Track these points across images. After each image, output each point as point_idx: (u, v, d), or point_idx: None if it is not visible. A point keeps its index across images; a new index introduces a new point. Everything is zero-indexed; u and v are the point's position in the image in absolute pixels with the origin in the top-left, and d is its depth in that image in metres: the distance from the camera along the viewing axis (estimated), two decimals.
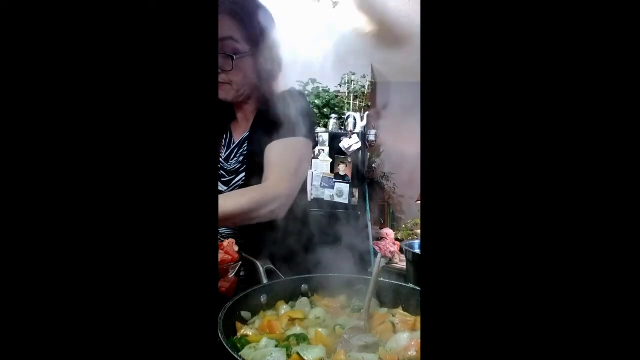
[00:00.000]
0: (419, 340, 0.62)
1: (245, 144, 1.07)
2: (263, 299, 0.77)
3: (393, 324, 0.71)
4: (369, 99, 3.68)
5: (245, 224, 0.93)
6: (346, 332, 0.67)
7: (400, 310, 0.75)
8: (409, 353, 0.62)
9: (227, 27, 0.96)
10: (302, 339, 0.64)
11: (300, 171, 1.02)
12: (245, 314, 0.73)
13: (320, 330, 0.67)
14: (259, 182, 0.98)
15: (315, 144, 1.07)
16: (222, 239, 0.92)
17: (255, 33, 0.99)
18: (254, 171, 1.02)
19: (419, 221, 3.53)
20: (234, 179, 1.07)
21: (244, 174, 1.06)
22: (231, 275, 0.84)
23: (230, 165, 1.09)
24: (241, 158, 1.07)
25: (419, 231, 3.22)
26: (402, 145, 3.69)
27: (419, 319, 0.71)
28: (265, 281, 0.84)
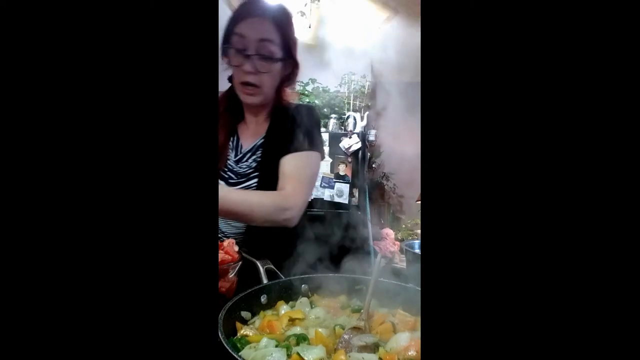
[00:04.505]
0: (419, 340, 0.62)
1: (260, 150, 1.10)
2: (263, 299, 0.77)
3: (393, 324, 0.71)
4: (369, 99, 3.68)
5: (261, 224, 0.98)
6: (346, 332, 0.67)
7: (400, 310, 0.75)
8: (409, 353, 0.62)
9: (268, 30, 1.01)
10: (302, 339, 0.64)
11: (312, 184, 1.09)
12: (245, 314, 0.73)
13: (320, 330, 0.67)
14: (272, 188, 1.03)
15: (323, 154, 1.14)
16: (224, 238, 0.92)
17: (289, 41, 1.05)
18: (266, 177, 1.06)
19: (419, 221, 3.52)
20: (244, 181, 1.09)
21: (256, 180, 1.08)
22: (231, 275, 0.84)
23: (241, 168, 1.10)
24: (254, 164, 1.10)
25: (419, 231, 3.21)
26: (402, 145, 3.67)
27: (419, 319, 0.71)
28: (265, 281, 0.84)
